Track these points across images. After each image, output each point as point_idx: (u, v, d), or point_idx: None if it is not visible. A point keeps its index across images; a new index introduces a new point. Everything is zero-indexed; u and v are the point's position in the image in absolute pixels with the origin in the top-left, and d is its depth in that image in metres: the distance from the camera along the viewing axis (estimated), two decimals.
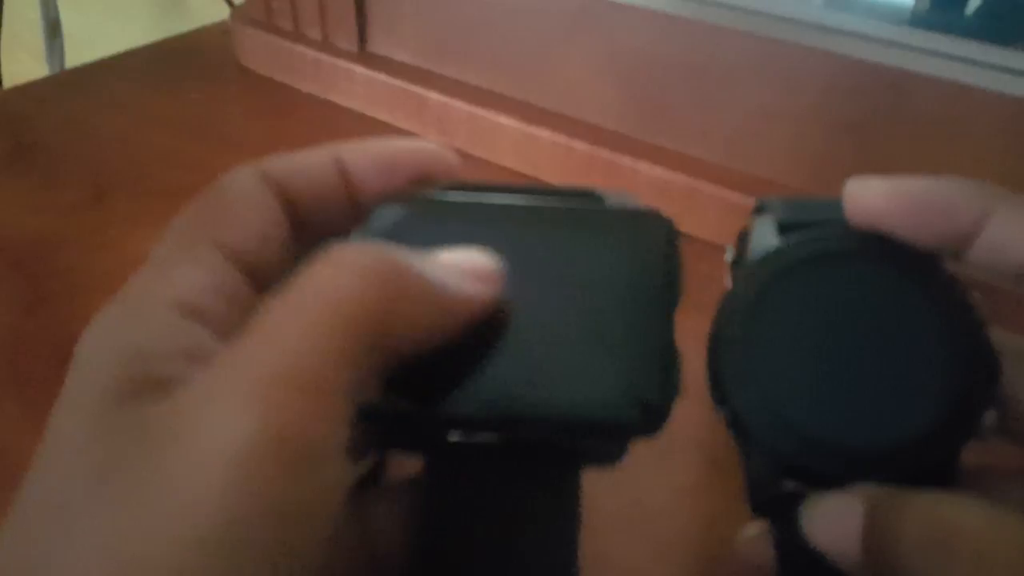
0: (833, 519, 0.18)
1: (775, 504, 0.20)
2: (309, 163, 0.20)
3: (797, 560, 0.19)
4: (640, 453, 0.21)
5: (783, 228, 0.21)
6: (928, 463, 0.18)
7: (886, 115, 0.36)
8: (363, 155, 0.21)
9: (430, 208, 0.20)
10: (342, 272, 0.16)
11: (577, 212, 0.20)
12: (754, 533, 0.21)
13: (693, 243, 0.41)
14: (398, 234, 0.19)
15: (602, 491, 0.21)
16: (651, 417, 0.18)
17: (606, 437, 0.19)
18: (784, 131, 0.39)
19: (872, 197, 0.20)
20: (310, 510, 0.14)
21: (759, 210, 0.22)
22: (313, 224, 0.20)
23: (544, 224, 0.20)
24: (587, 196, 0.21)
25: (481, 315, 0.18)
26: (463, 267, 0.18)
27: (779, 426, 0.19)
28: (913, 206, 0.19)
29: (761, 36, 0.37)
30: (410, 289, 0.16)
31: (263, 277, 0.19)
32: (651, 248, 0.19)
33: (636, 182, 0.42)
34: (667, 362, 0.19)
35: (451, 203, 0.20)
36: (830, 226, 0.20)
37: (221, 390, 0.14)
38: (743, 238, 0.23)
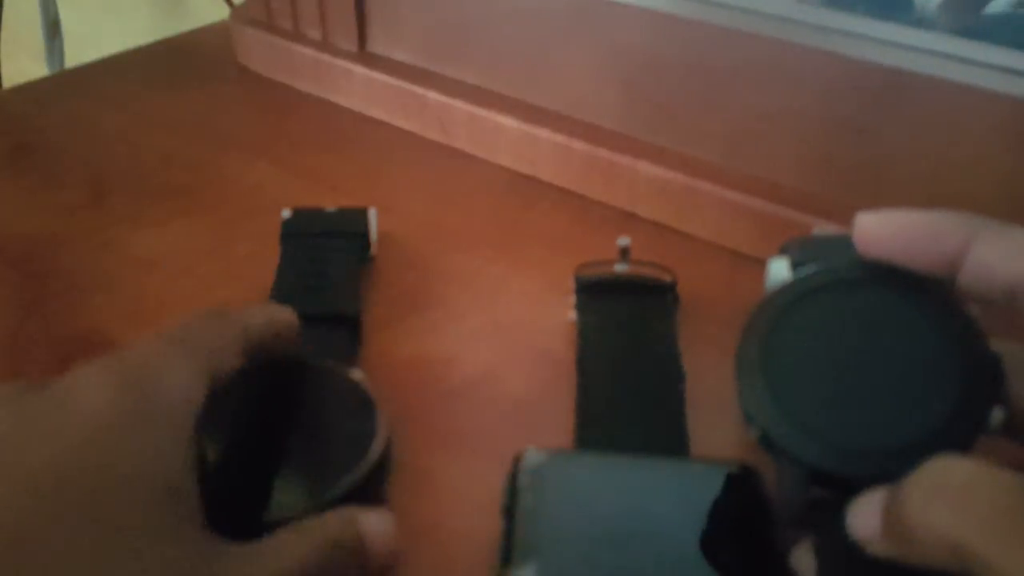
0: (862, 509, 0.20)
1: (807, 512, 0.21)
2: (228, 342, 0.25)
3: (836, 560, 0.21)
4: None
5: (796, 265, 0.24)
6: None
7: (886, 115, 0.36)
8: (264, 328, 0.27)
9: (567, 459, 0.26)
10: None
11: (683, 468, 0.26)
12: (802, 550, 0.22)
13: (692, 243, 0.41)
14: (543, 476, 0.25)
15: None
16: None
17: None
18: (784, 131, 0.39)
19: (875, 227, 0.22)
20: None
21: (782, 251, 0.25)
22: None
23: (660, 479, 0.25)
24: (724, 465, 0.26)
25: None
26: None
27: (803, 437, 0.21)
28: (906, 234, 0.22)
29: (761, 36, 0.37)
30: None
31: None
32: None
33: (636, 182, 0.42)
34: None
35: (584, 457, 0.27)
36: (837, 259, 0.23)
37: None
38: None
